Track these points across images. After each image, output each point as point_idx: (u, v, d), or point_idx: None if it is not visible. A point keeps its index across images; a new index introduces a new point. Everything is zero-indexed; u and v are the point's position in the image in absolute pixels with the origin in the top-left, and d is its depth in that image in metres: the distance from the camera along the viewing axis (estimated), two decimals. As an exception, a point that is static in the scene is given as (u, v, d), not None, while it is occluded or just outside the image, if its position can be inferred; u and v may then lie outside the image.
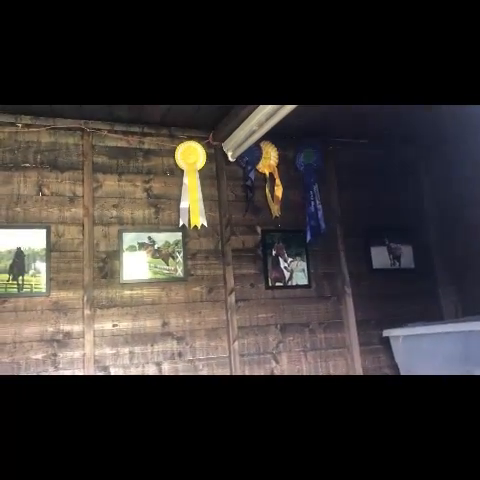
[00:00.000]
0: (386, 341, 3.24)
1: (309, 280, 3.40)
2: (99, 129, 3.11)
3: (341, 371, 3.33)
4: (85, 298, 2.86)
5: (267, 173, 3.42)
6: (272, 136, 3.17)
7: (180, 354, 2.99)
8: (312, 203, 3.43)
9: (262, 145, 3.37)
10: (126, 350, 2.89)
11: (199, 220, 3.12)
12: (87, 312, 2.84)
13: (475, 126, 3.23)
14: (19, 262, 2.77)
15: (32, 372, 2.69)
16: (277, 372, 3.18)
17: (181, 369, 2.97)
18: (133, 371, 2.88)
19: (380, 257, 3.61)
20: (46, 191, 2.95)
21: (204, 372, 3.01)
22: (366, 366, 3.38)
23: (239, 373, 3.06)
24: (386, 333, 3.15)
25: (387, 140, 3.71)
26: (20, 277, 2.77)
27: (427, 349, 2.88)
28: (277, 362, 3.20)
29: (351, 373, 3.33)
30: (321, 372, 3.28)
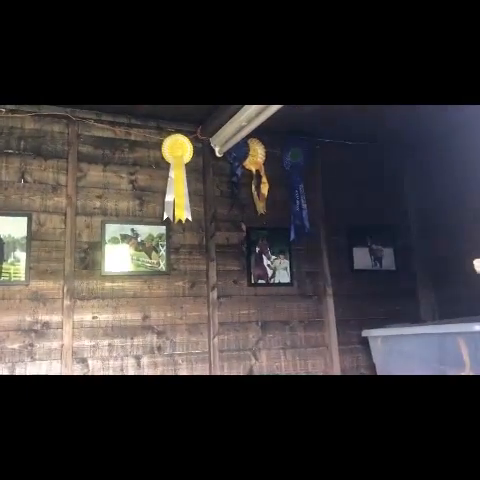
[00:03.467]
0: (365, 341, 3.28)
1: (291, 278, 3.41)
2: (85, 118, 3.07)
3: (319, 370, 3.35)
4: (65, 288, 2.82)
5: (254, 170, 3.42)
6: (260, 133, 3.18)
7: (160, 348, 2.98)
8: (297, 202, 3.45)
9: (249, 142, 3.37)
10: (105, 342, 2.86)
11: (184, 214, 3.10)
12: (67, 303, 2.80)
13: (458, 128, 3.30)
14: (-2, 249, 2.72)
15: (7, 362, 2.64)
16: (256, 369, 3.19)
17: (160, 363, 2.96)
18: (112, 364, 2.85)
19: (362, 258, 3.65)
20: (29, 178, 2.90)
21: (183, 367, 3.01)
22: (344, 365, 3.41)
23: (218, 369, 3.06)
24: (365, 333, 3.19)
25: (372, 141, 3.75)
26: (-1, 265, 2.71)
27: (404, 350, 2.92)
28: (256, 359, 3.20)
29: (329, 372, 3.36)
30: (300, 370, 3.30)
